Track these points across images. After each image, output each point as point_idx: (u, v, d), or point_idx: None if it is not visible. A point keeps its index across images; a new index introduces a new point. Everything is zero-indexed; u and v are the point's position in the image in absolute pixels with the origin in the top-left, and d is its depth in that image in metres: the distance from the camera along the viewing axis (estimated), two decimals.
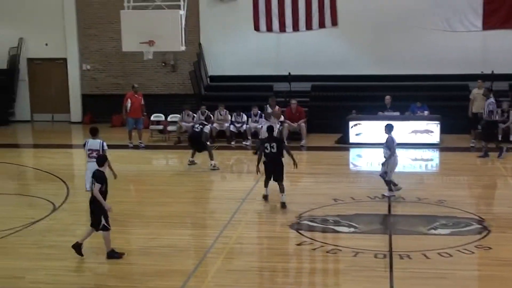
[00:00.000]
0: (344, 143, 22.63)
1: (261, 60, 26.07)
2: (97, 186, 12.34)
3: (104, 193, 12.47)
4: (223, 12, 26.29)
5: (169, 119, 24.51)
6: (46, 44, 27.77)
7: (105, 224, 12.46)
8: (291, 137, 22.81)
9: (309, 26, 24.72)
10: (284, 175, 15.65)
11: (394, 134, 15.83)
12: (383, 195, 15.89)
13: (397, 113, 22.87)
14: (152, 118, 24.60)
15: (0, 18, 27.77)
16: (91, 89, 27.82)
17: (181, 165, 21.05)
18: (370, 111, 22.91)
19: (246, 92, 25.71)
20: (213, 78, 26.71)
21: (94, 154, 14.75)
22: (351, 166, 21.30)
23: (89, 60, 27.72)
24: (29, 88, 28.30)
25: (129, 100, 22.86)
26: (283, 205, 15.31)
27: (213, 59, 26.63)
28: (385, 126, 15.83)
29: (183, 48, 21.97)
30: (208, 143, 19.67)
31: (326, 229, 14.13)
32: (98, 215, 12.44)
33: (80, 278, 11.92)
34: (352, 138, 22.64)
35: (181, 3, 21.78)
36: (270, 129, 15.92)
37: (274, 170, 15.40)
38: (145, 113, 23.16)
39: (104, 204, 12.36)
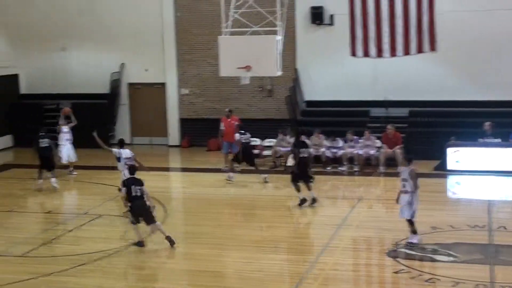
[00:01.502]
0: (442, 170, 22.15)
1: (358, 85, 25.89)
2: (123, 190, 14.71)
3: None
4: (320, 36, 26.30)
5: (265, 143, 24.60)
6: (146, 70, 28.43)
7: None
8: (387, 163, 22.51)
9: (406, 51, 24.33)
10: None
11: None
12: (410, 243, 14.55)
13: (498, 140, 22.24)
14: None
15: (103, 44, 28.60)
16: (188, 113, 28.25)
17: (276, 190, 21.06)
18: (469, 138, 22.37)
19: (342, 118, 25.56)
20: (309, 103, 26.69)
21: (128, 162, 17.17)
22: (449, 193, 20.81)
23: (187, 85, 28.17)
24: (129, 112, 28.98)
25: (222, 125, 23.14)
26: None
27: (309, 84, 26.63)
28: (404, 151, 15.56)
29: (279, 73, 22.05)
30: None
31: (424, 258, 13.83)
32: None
33: None
34: (451, 165, 22.12)
35: (278, 28, 21.92)
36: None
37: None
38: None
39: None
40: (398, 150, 22.43)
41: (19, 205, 18.95)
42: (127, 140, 28.56)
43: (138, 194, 14.67)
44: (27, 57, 29.40)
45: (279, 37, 21.73)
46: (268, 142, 24.52)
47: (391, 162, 22.65)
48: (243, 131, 21.55)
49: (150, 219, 14.79)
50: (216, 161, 23.92)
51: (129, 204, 14.74)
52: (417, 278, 12.57)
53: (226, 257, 14.57)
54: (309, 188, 18.24)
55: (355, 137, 23.26)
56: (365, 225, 16.02)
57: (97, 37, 28.50)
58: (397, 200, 14.56)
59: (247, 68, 21.40)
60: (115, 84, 28.36)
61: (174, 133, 28.27)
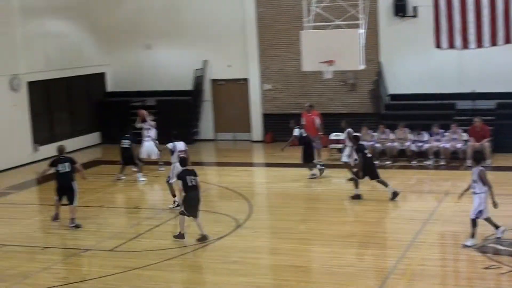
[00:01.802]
0: None
1: (443, 77, 25.45)
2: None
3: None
4: (403, 29, 25.95)
5: None
6: (229, 66, 28.65)
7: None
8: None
9: (493, 42, 23.81)
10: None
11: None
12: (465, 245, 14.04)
13: None
14: (331, 137, 24.62)
15: (186, 41, 28.97)
16: (271, 109, 28.33)
17: (361, 185, 20.90)
18: None
19: (427, 111, 25.17)
20: (393, 97, 26.38)
21: (181, 154, 17.21)
22: None
23: (269, 80, 28.25)
24: (213, 108, 29.27)
25: (303, 119, 23.14)
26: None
27: (393, 77, 26.32)
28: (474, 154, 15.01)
29: (362, 66, 21.89)
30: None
31: None
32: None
33: None
34: None
35: (361, 21, 21.75)
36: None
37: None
38: (320, 133, 23.17)
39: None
40: (486, 144, 21.97)
41: (108, 201, 19.39)
42: (211, 136, 28.90)
43: (194, 183, 14.91)
44: (113, 55, 30.05)
45: (361, 31, 21.56)
46: None
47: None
48: (298, 126, 21.63)
49: (197, 213, 15.03)
50: (299, 156, 23.88)
51: (184, 194, 14.95)
52: (507, 274, 12.28)
53: (312, 252, 14.58)
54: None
55: (441, 130, 22.86)
56: (452, 220, 15.74)
57: (181, 34, 28.89)
58: (460, 196, 14.35)
59: (330, 62, 21.31)
60: (199, 81, 28.68)
61: (257, 129, 28.40)
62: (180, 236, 15.04)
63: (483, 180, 13.87)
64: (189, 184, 14.89)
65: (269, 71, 28.15)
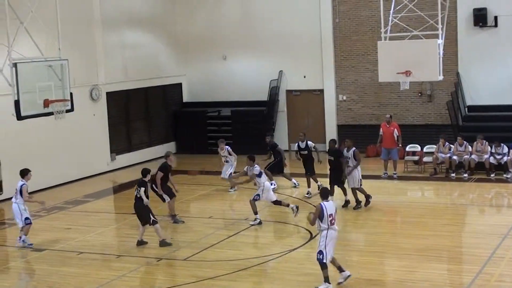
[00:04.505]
0: None
1: None
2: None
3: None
4: (483, 39, 25.41)
5: (425, 149, 24.05)
6: (304, 76, 28.59)
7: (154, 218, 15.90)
8: None
9: None
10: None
11: None
12: None
13: None
14: (407, 148, 24.29)
15: (262, 52, 29.05)
16: (346, 120, 28.13)
17: (437, 197, 20.56)
18: None
19: (507, 122, 24.53)
20: (471, 108, 25.85)
21: None
22: None
23: (345, 91, 28.08)
24: (287, 119, 29.24)
25: (381, 130, 22.91)
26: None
27: (471, 88, 25.79)
28: None
29: (440, 77, 21.49)
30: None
31: None
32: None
33: None
34: None
35: (439, 32, 21.39)
36: None
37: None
38: (399, 144, 22.93)
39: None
40: None
41: (182, 210, 19.53)
42: (285, 147, 28.85)
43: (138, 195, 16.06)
44: (189, 66, 30.39)
45: (440, 41, 21.19)
46: (429, 148, 23.91)
47: None
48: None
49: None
50: (374, 168, 23.65)
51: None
52: None
53: (386, 265, 14.37)
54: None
55: None
56: None
57: (257, 45, 29.00)
58: None
59: (407, 73, 21.00)
60: (274, 91, 28.71)
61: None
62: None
63: None
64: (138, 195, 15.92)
65: (345, 82, 27.98)
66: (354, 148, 19.13)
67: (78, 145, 24.31)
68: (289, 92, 29.05)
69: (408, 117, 26.78)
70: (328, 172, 19.32)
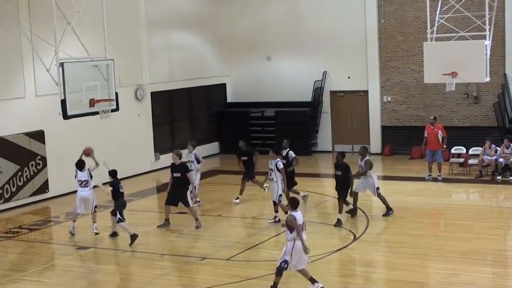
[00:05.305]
0: None
1: None
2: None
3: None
4: None
5: (470, 152, 23.75)
6: (349, 77, 28.46)
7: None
8: None
9: None
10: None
11: None
12: None
13: None
14: (452, 150, 24.02)
15: (306, 53, 29.00)
16: (391, 121, 27.93)
17: (482, 200, 20.29)
18: None
19: None
20: None
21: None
22: None
23: (389, 92, 27.87)
24: (331, 120, 29.14)
25: (425, 132, 22.72)
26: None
27: None
28: None
29: (487, 79, 21.21)
30: None
31: None
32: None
33: None
34: None
35: (487, 33, 21.11)
36: None
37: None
38: (444, 146, 22.69)
39: None
40: None
41: (226, 210, 19.60)
42: (329, 148, 28.75)
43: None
44: (233, 66, 30.48)
45: (487, 42, 20.93)
46: (474, 150, 23.61)
47: None
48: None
49: None
50: (418, 170, 23.46)
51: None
52: None
53: (430, 268, 14.23)
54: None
55: None
56: None
57: (301, 46, 28.95)
58: None
59: (453, 74, 20.77)
60: (318, 92, 28.63)
61: (376, 141, 28.06)
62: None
63: None
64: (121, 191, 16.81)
65: (390, 83, 27.78)
66: (366, 158, 18.37)
67: (123, 144, 24.53)
68: (333, 93, 28.94)
69: (453, 119, 26.49)
70: (335, 189, 17.71)
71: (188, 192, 17.76)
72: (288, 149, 19.35)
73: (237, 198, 20.27)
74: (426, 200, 19.85)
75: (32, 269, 14.99)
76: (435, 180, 22.28)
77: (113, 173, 17.00)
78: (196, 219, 17.72)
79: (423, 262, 14.40)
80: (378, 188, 18.21)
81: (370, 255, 15.00)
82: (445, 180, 22.20)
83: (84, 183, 17.36)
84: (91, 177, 17.43)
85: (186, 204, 17.65)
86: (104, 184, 17.51)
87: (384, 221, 17.98)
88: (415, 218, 18.12)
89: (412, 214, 18.41)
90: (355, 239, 16.00)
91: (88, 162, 17.72)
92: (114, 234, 17.03)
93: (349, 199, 17.75)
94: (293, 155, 19.30)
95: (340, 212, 17.39)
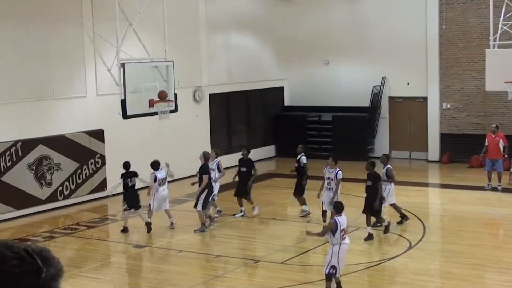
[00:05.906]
0: None
1: None
2: None
3: None
4: None
5: None
6: (408, 83, 28.17)
7: None
8: None
9: None
10: None
11: None
12: None
13: None
14: None
15: (365, 58, 28.80)
16: (450, 128, 27.55)
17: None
18: None
19: None
20: None
21: None
22: None
23: (449, 99, 27.50)
24: (389, 126, 28.88)
25: (486, 140, 22.33)
26: None
27: None
28: None
29: None
30: None
31: None
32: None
33: None
34: None
35: None
36: None
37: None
38: (505, 155, 22.28)
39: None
40: None
41: (280, 214, 19.58)
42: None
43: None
44: (291, 70, 30.47)
45: None
46: None
47: None
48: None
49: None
50: (477, 179, 23.07)
51: None
52: None
53: (488, 279, 13.98)
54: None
55: None
56: None
57: (360, 51, 28.78)
58: None
59: None
60: (376, 98, 28.42)
61: (434, 148, 27.72)
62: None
63: None
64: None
65: (450, 90, 27.41)
66: (388, 166, 17.73)
67: (180, 145, 24.71)
68: (391, 98, 28.68)
69: None
70: (365, 200, 16.84)
71: (202, 196, 17.73)
72: (302, 153, 18.92)
73: (253, 207, 18.98)
74: (485, 210, 19.53)
75: (89, 265, 15.22)
76: (494, 189, 21.88)
77: (126, 166, 18.05)
78: (203, 224, 17.66)
79: (480, 273, 14.15)
80: (382, 198, 16.96)
81: (426, 263, 14.80)
82: (504, 190, 21.79)
83: (163, 182, 18.02)
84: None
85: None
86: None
87: (441, 229, 17.74)
88: (473, 227, 17.83)
89: (470, 224, 18.13)
90: (411, 246, 15.81)
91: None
92: (124, 230, 17.62)
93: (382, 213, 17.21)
94: (305, 161, 18.80)
95: (368, 225, 16.48)
